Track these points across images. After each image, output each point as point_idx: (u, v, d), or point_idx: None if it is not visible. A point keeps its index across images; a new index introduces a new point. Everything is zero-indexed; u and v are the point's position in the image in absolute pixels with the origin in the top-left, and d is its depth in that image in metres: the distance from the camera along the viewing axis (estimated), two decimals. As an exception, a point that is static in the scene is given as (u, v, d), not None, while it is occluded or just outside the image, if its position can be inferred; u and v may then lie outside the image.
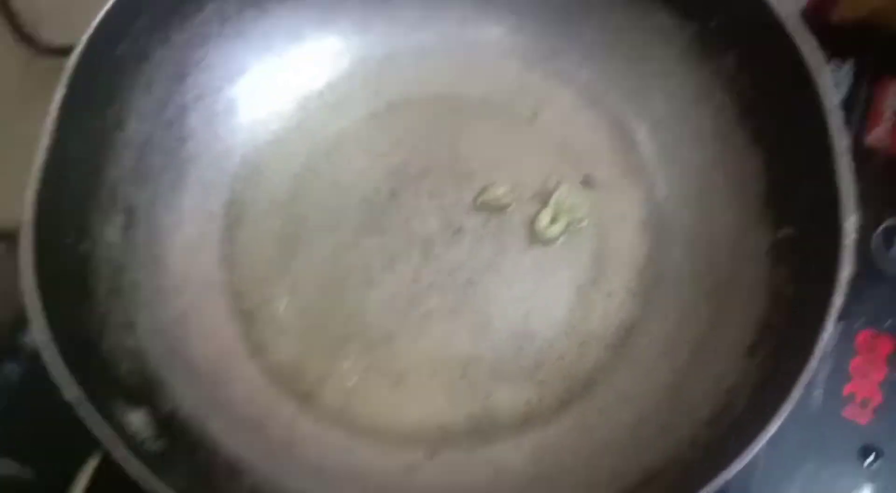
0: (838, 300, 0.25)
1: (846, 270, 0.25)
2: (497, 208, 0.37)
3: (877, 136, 0.37)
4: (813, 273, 0.28)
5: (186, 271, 0.35)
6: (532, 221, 0.36)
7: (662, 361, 0.32)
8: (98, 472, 0.26)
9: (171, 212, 0.36)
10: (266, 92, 0.39)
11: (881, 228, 0.35)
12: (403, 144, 0.38)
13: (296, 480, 0.31)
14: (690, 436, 0.28)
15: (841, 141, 0.27)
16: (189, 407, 0.31)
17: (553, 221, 0.35)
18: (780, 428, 0.25)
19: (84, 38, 0.30)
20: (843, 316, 0.33)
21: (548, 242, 0.35)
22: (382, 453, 0.32)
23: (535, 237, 0.35)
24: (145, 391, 0.30)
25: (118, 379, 0.29)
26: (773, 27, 0.29)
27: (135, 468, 0.24)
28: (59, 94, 0.30)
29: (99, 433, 0.25)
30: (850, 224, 0.26)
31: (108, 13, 0.31)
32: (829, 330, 0.25)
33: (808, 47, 0.28)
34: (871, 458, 0.31)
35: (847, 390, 0.33)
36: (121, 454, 0.24)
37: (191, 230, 0.36)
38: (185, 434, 0.30)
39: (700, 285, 0.33)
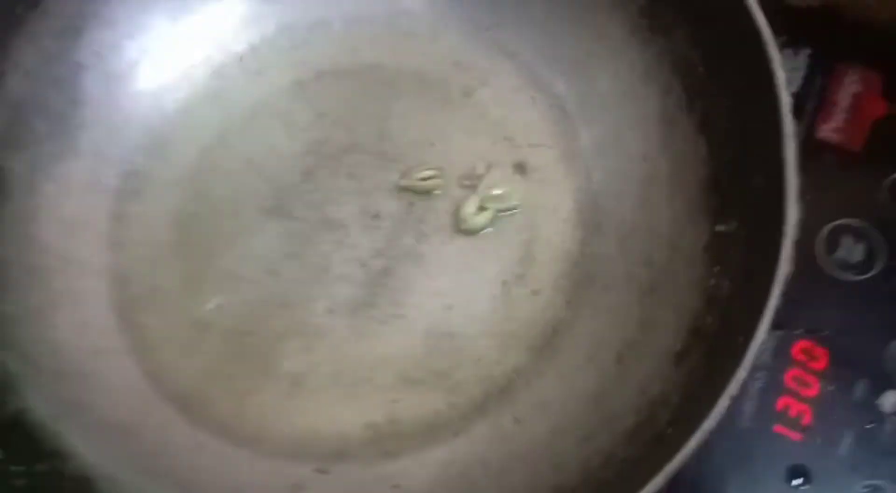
0: (773, 303, 0.22)
1: (784, 268, 0.23)
2: (421, 193, 0.33)
3: (829, 129, 0.35)
4: (750, 273, 0.25)
5: (65, 249, 0.31)
6: (458, 208, 0.33)
7: (587, 366, 0.29)
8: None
9: (52, 182, 0.32)
10: (176, 54, 0.36)
11: (827, 228, 0.33)
12: (326, 119, 0.35)
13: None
14: (608, 451, 0.25)
15: (789, 126, 0.24)
16: (43, 408, 0.27)
17: (480, 209, 0.32)
18: (709, 442, 0.23)
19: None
20: (781, 324, 0.31)
21: (472, 232, 0.32)
22: (268, 467, 0.29)
23: (459, 226, 0.32)
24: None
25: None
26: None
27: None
28: None
29: None
30: (792, 218, 0.23)
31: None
32: (762, 337, 0.23)
33: (762, 24, 0.25)
34: (801, 480, 0.29)
35: (780, 403, 0.31)
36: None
37: (76, 204, 0.33)
38: (30, 441, 0.26)
39: (634, 284, 0.30)
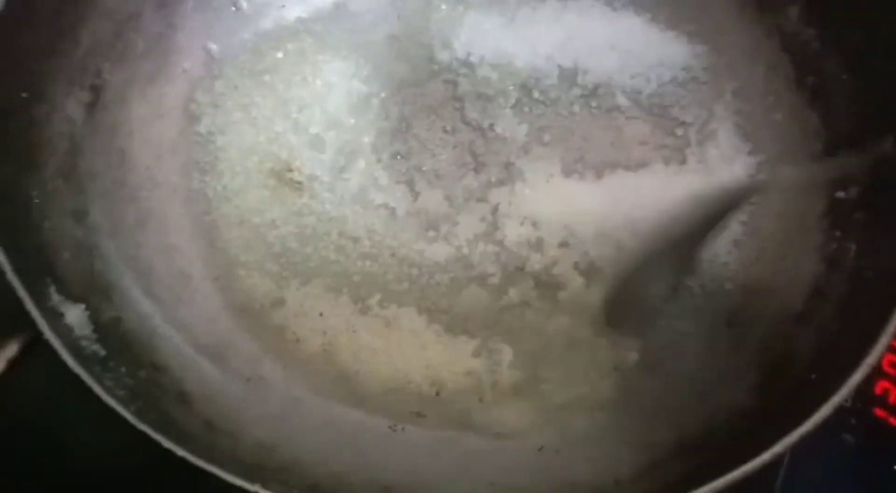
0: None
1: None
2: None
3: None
4: (880, 235, 0.25)
5: (154, 170, 0.30)
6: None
7: (693, 330, 0.29)
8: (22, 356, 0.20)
9: (146, 101, 0.31)
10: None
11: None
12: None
13: (256, 423, 0.26)
14: (733, 404, 0.24)
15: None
16: (136, 320, 0.26)
17: None
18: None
19: None
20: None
21: None
22: (362, 407, 0.27)
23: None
24: (87, 289, 0.25)
25: (55, 266, 0.24)
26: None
27: (67, 358, 0.19)
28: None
29: (28, 308, 0.19)
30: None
31: None
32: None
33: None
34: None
35: (879, 387, 0.30)
36: (52, 338, 0.19)
37: (166, 127, 0.31)
38: (128, 347, 0.25)
39: (743, 251, 0.30)
